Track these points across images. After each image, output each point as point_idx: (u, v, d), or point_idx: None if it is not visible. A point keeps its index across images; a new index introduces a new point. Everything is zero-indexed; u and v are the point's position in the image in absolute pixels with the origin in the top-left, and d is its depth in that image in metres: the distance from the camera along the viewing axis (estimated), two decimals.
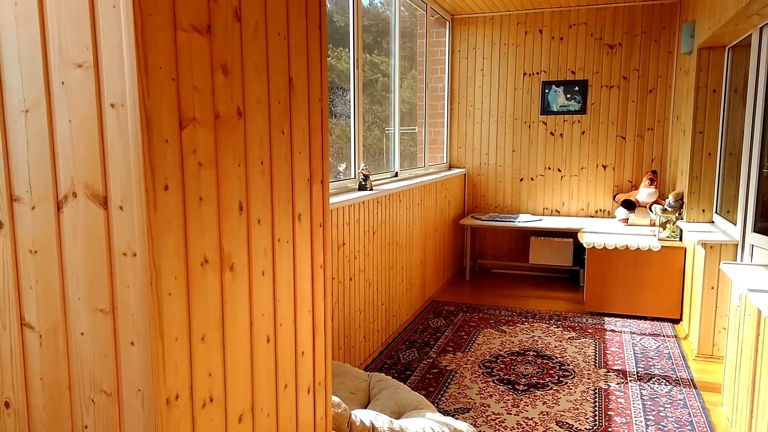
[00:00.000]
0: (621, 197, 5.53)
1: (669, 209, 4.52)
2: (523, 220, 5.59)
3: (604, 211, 5.81)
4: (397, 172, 4.62)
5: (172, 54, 0.87)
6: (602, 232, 4.95)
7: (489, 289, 5.46)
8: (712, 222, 4.22)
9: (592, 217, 5.84)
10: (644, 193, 5.24)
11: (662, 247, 4.43)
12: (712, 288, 3.65)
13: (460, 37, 6.05)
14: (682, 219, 4.46)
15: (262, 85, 1.13)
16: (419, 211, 4.66)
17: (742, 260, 3.51)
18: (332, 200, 3.09)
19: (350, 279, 3.35)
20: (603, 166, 5.76)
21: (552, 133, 5.87)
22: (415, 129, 6.06)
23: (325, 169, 1.38)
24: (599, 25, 5.59)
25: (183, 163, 0.91)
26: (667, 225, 4.59)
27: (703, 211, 4.27)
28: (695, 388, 3.33)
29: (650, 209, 5.19)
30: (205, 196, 0.98)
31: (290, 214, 1.26)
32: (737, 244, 3.55)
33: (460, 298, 5.15)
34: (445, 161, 6.14)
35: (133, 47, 0.78)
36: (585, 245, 4.63)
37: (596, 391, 3.26)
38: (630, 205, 5.27)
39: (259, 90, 1.12)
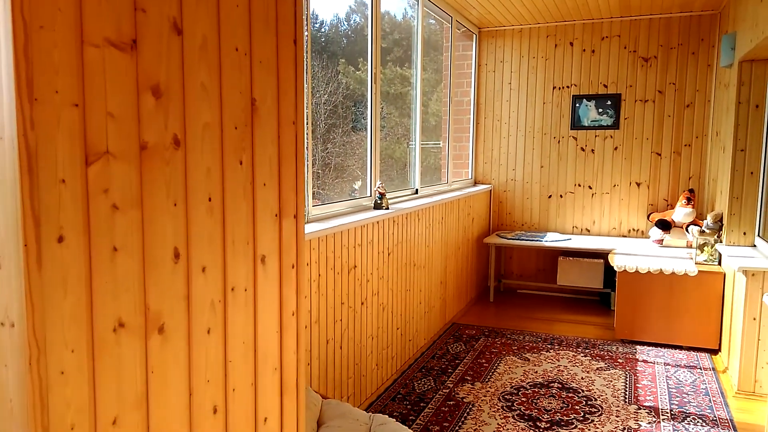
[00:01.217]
0: (656, 217, 5.24)
1: (707, 231, 4.24)
2: (551, 239, 5.35)
3: (638, 230, 5.53)
4: (417, 189, 4.46)
5: (77, 75, 0.73)
6: (635, 254, 4.68)
7: (513, 311, 5.23)
8: (754, 246, 3.93)
9: (625, 237, 5.56)
10: (681, 212, 4.95)
11: (699, 271, 4.15)
12: (754, 319, 3.37)
13: (487, 51, 5.87)
14: (721, 242, 4.17)
15: (212, 109, 0.98)
16: (440, 229, 4.48)
17: None
18: (342, 221, 2.95)
19: (362, 303, 3.19)
20: (637, 183, 5.48)
21: (583, 149, 5.63)
22: (439, 144, 5.89)
23: (300, 201, 1.23)
24: (633, 38, 5.35)
25: (89, 206, 0.76)
26: (705, 248, 4.31)
27: (744, 233, 3.98)
28: (734, 429, 3.05)
29: (687, 230, 4.90)
30: (122, 244, 0.83)
31: (251, 256, 1.10)
32: None
33: (483, 320, 4.94)
34: (470, 177, 5.95)
35: (12, 67, 0.65)
36: (616, 268, 4.37)
37: (625, 431, 3.01)
38: (665, 226, 4.99)
39: (207, 114, 0.98)
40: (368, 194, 3.68)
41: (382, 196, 3.54)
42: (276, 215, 1.17)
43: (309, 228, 2.68)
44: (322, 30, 4.88)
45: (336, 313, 2.90)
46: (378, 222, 3.35)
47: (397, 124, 5.69)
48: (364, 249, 3.18)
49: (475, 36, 5.80)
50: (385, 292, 3.51)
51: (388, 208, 3.55)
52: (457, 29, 5.59)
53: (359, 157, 5.87)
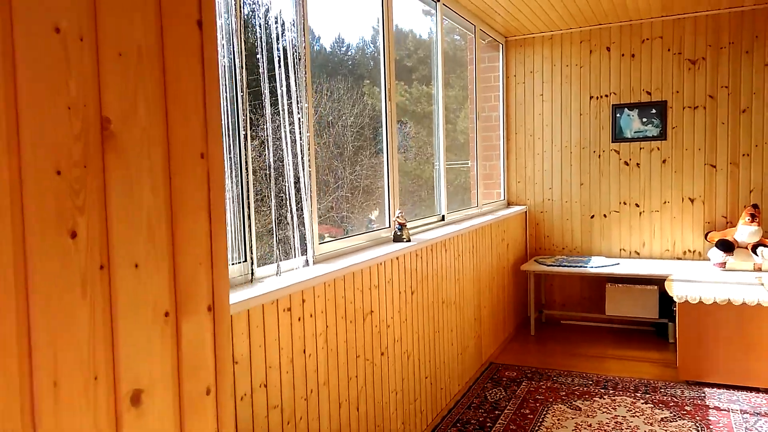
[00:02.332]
0: (715, 236, 4.66)
1: None
2: (597, 264, 4.81)
3: (694, 252, 4.94)
4: (443, 215, 4.00)
5: None
6: (695, 281, 4.11)
7: (558, 346, 4.68)
8: None
9: (680, 259, 4.97)
10: (744, 231, 4.36)
11: None
12: None
13: (515, 61, 5.43)
14: None
15: None
16: (471, 259, 4.01)
17: None
18: (355, 258, 2.51)
19: (381, 354, 2.73)
20: (690, 199, 4.92)
21: (627, 163, 5.10)
22: (468, 163, 5.44)
23: (222, 282, 0.81)
24: (678, 38, 4.84)
25: None
26: None
27: None
28: None
29: (753, 251, 4.31)
30: None
31: (104, 400, 0.67)
32: None
33: (524, 359, 4.41)
34: (502, 198, 5.47)
35: None
36: (676, 299, 3.82)
37: None
38: (727, 247, 4.40)
39: None
40: (387, 225, 3.24)
41: (402, 227, 3.10)
42: (166, 314, 0.74)
43: (314, 271, 2.25)
44: (349, 53, 4.80)
45: (350, 369, 2.45)
46: (398, 257, 2.91)
47: (426, 144, 5.36)
48: (382, 290, 2.73)
49: (501, 46, 5.37)
50: (409, 338, 3.04)
51: (409, 240, 3.10)
52: (481, 39, 5.17)
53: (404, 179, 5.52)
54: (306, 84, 2.38)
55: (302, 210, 2.37)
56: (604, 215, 5.21)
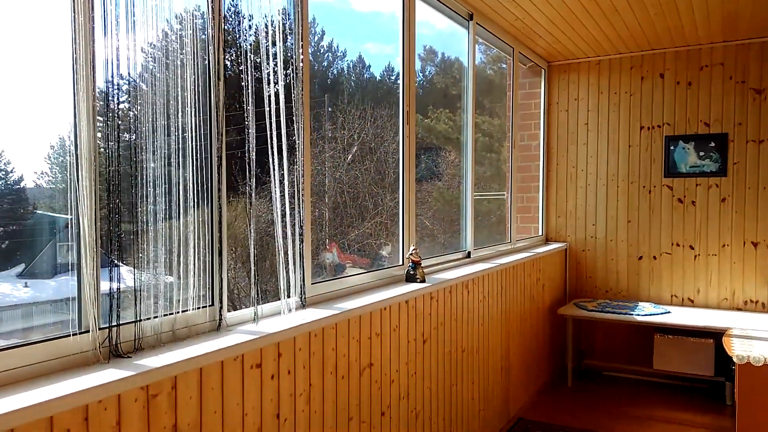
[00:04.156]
0: None
1: None
2: (645, 312, 4.31)
3: (757, 302, 4.38)
4: (469, 252, 3.63)
5: None
6: (759, 338, 3.58)
7: (598, 402, 4.19)
8: None
9: (740, 310, 4.42)
10: None
11: None
12: None
13: (558, 87, 5.05)
14: None
15: None
16: (499, 301, 3.61)
17: None
18: (351, 303, 2.18)
19: (382, 414, 2.37)
20: (753, 243, 4.38)
21: (681, 200, 4.61)
22: (503, 195, 5.06)
23: None
24: (741, 65, 4.37)
25: None
26: None
27: None
28: None
29: None
30: None
31: None
32: None
33: (558, 415, 3.94)
34: (540, 233, 5.05)
35: None
36: (736, 359, 3.30)
37: None
38: None
39: None
40: (400, 262, 2.90)
41: (416, 265, 2.76)
42: None
43: (297, 318, 1.94)
44: (398, 82, 4.79)
45: None
46: (407, 300, 2.56)
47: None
48: (385, 338, 2.39)
49: (543, 71, 5.01)
50: (419, 393, 2.67)
51: (423, 281, 2.75)
52: (522, 64, 4.82)
53: (429, 206, 5.22)
54: (303, 102, 2.10)
55: (293, 243, 2.07)
56: (654, 257, 4.71)
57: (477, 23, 3.67)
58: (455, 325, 3.01)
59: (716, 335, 4.12)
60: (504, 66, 5.02)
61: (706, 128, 4.50)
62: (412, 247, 2.81)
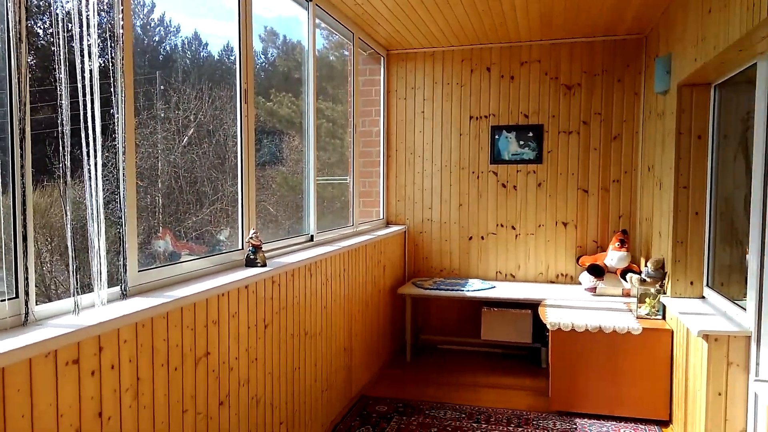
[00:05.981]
0: (586, 261, 4.69)
1: (648, 280, 3.67)
2: (474, 288, 4.65)
3: (566, 275, 4.95)
4: (312, 236, 3.63)
5: None
6: (568, 306, 4.05)
7: (433, 375, 4.45)
8: (703, 297, 3.38)
9: (553, 282, 4.96)
10: (614, 257, 4.40)
11: (644, 329, 3.55)
12: (720, 394, 2.76)
13: (397, 75, 5.22)
14: (664, 293, 3.61)
15: None
16: (341, 284, 3.67)
17: (758, 359, 2.64)
18: (186, 290, 2.06)
19: (220, 404, 2.28)
20: (563, 223, 4.93)
21: (504, 185, 5.03)
22: (347, 179, 5.13)
23: None
24: (555, 63, 4.86)
25: None
26: (647, 299, 3.73)
27: (692, 283, 3.43)
28: None
29: (623, 276, 4.35)
30: None
31: None
32: (750, 336, 2.68)
33: (398, 390, 4.11)
34: (381, 217, 5.20)
35: None
36: (549, 326, 3.71)
37: None
38: (598, 272, 4.42)
39: None
40: (240, 246, 2.81)
41: (256, 249, 2.69)
42: None
43: (122, 308, 1.78)
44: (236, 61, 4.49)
45: (174, 428, 1.98)
46: (247, 285, 2.49)
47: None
48: (223, 326, 2.30)
49: (383, 59, 5.14)
50: (261, 379, 2.62)
51: (264, 265, 2.69)
52: (362, 50, 4.90)
53: (272, 192, 5.07)
54: (125, 78, 1.92)
55: (118, 228, 1.89)
56: (482, 237, 5.10)
57: (317, 5, 3.64)
58: (298, 308, 3.00)
59: (534, 306, 4.58)
60: (346, 53, 5.07)
61: (526, 119, 4.95)
62: (252, 231, 2.73)
